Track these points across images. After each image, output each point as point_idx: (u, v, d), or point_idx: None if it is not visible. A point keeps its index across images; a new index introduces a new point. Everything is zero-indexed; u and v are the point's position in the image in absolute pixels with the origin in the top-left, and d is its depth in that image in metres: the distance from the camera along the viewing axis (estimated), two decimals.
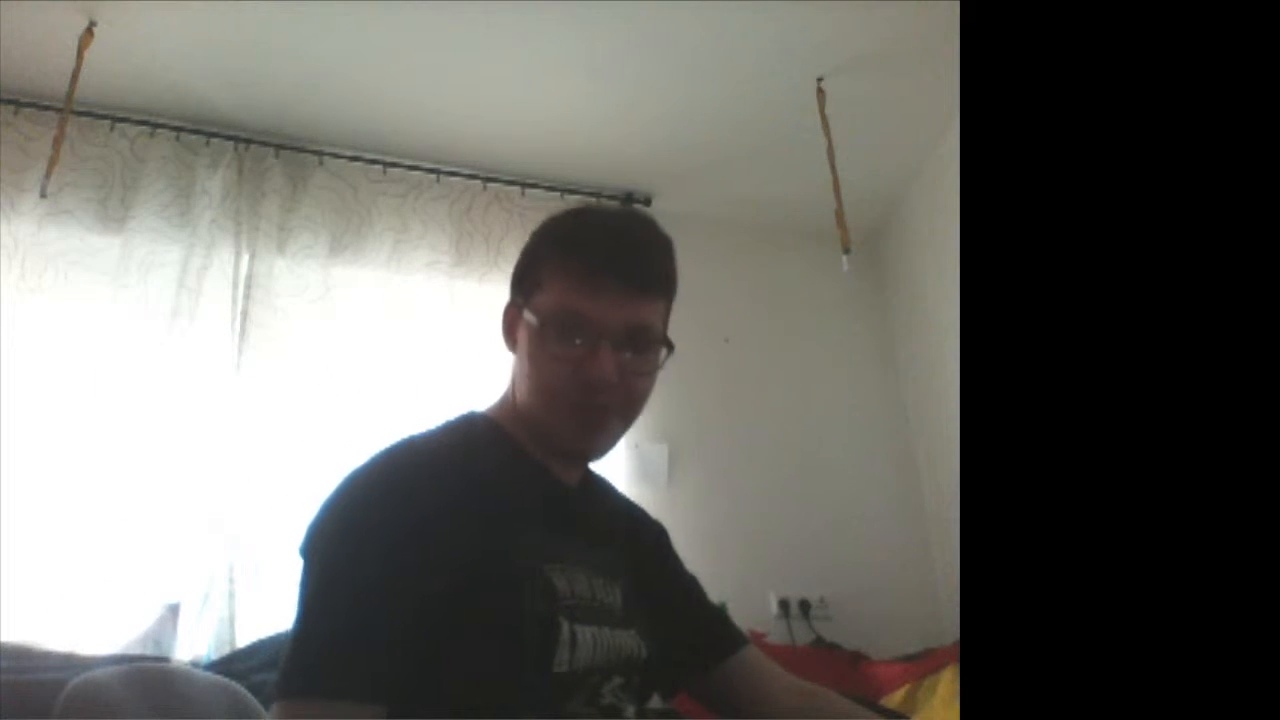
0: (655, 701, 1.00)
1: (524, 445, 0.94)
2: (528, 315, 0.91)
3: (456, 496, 0.84)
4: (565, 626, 0.83)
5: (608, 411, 0.90)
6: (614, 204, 0.96)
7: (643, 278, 0.91)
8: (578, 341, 0.88)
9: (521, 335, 0.93)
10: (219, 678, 0.98)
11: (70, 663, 1.84)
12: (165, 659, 1.99)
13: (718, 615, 1.15)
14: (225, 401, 2.37)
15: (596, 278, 0.89)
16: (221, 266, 2.52)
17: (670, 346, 0.94)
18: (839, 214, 2.49)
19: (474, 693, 0.78)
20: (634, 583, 0.98)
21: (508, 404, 0.97)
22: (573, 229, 0.95)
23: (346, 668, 0.74)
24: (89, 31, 2.32)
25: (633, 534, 1.06)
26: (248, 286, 2.54)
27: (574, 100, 2.69)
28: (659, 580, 1.07)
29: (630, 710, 0.88)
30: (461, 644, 0.79)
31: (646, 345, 0.91)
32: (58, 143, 2.26)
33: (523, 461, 0.94)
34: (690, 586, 1.13)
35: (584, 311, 0.88)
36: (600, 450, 0.94)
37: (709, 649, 1.05)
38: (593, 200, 2.96)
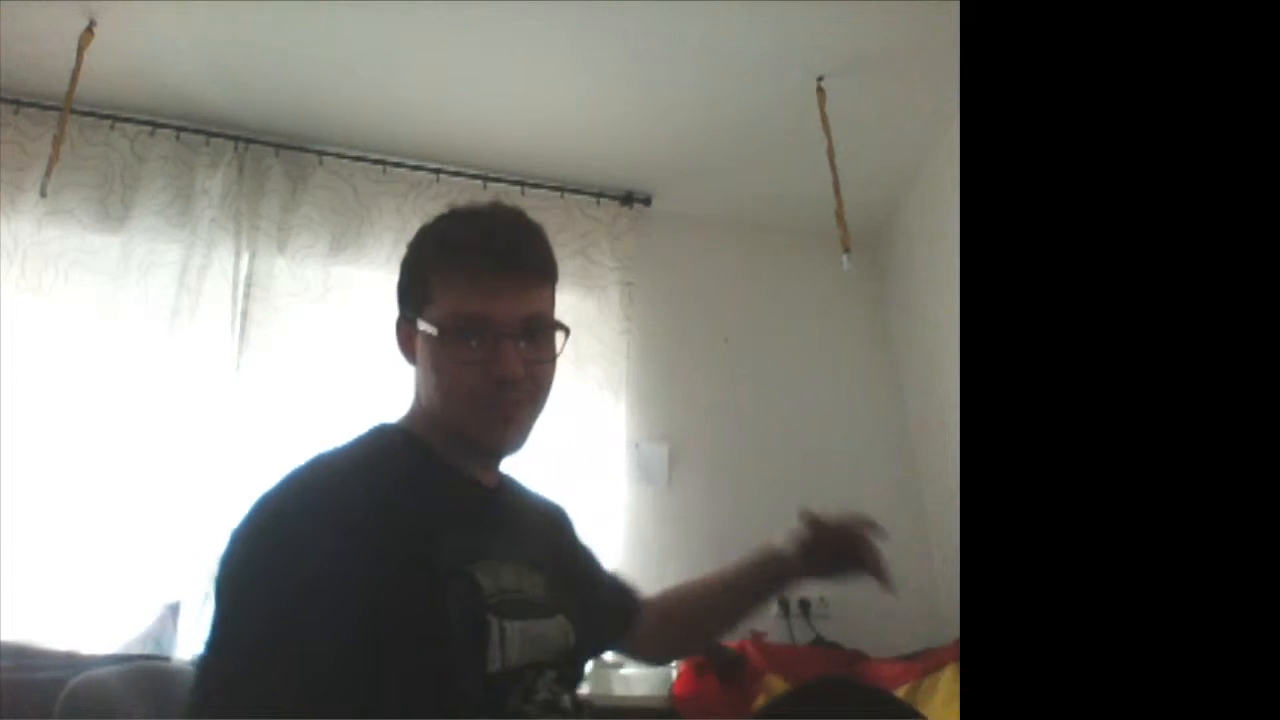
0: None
1: (439, 451, 0.95)
2: (424, 326, 0.92)
3: (371, 509, 0.83)
4: (495, 625, 0.84)
5: (520, 405, 0.92)
6: (481, 204, 0.96)
7: (527, 269, 0.93)
8: (476, 343, 0.90)
9: (421, 346, 0.94)
10: None
11: (70, 663, 1.84)
12: (165, 659, 1.99)
13: (616, 580, 1.22)
14: (225, 401, 2.37)
15: (484, 277, 0.90)
16: (221, 266, 2.52)
17: (566, 330, 0.96)
18: (839, 214, 2.49)
19: (411, 705, 0.77)
20: (555, 568, 0.99)
21: (417, 413, 0.98)
22: (450, 234, 0.96)
23: (242, 703, 0.71)
24: (89, 31, 2.32)
25: (550, 523, 1.12)
26: (248, 286, 2.54)
27: (574, 100, 2.69)
28: (572, 561, 1.12)
29: (566, 700, 0.91)
30: (392, 656, 0.77)
31: (543, 333, 0.94)
32: (58, 142, 2.25)
33: (438, 466, 0.95)
34: (593, 557, 1.20)
35: (479, 312, 0.89)
36: (518, 444, 0.95)
37: (621, 614, 1.17)
38: (593, 201, 2.96)
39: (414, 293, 0.96)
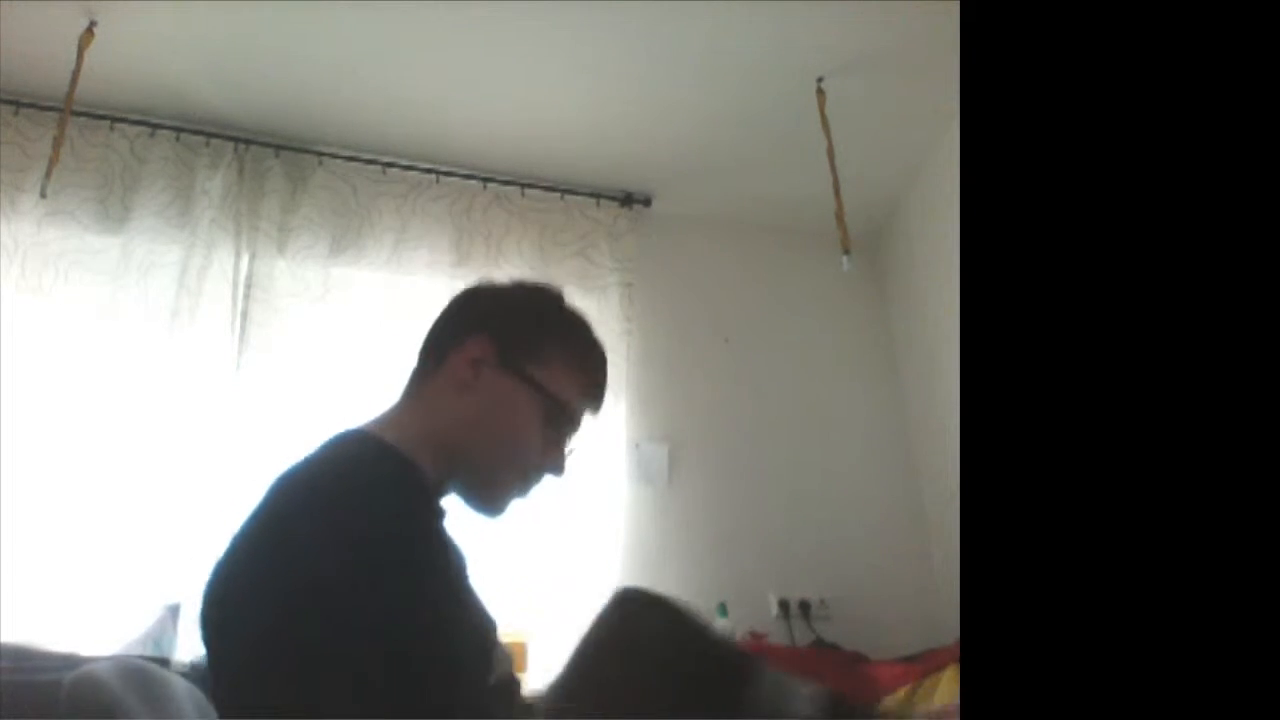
0: None
1: (422, 470, 0.90)
2: (527, 379, 0.95)
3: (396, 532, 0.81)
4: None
5: (528, 495, 0.99)
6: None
7: (602, 399, 1.05)
8: (559, 431, 0.98)
9: (502, 386, 0.95)
10: (186, 683, 1.00)
11: (70, 663, 1.84)
12: (165, 659, 1.99)
13: None
14: (225, 401, 2.37)
15: (596, 391, 1.02)
16: (221, 266, 2.52)
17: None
18: (839, 214, 2.49)
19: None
20: None
21: (407, 424, 0.94)
22: (578, 329, 1.03)
23: None
24: (89, 31, 2.32)
25: None
26: (248, 286, 2.54)
27: (574, 100, 2.69)
28: None
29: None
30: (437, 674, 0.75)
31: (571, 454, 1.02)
32: (58, 143, 2.25)
33: (425, 482, 0.91)
34: None
35: (578, 414, 1.00)
36: (500, 514, 0.98)
37: None
38: (593, 202, 2.96)
39: (525, 343, 0.97)
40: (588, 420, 1.03)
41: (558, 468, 0.98)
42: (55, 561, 2.11)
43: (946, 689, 2.04)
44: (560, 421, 0.98)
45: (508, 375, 0.95)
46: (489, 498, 0.96)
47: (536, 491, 1.00)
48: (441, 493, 0.95)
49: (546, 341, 0.99)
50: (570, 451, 1.01)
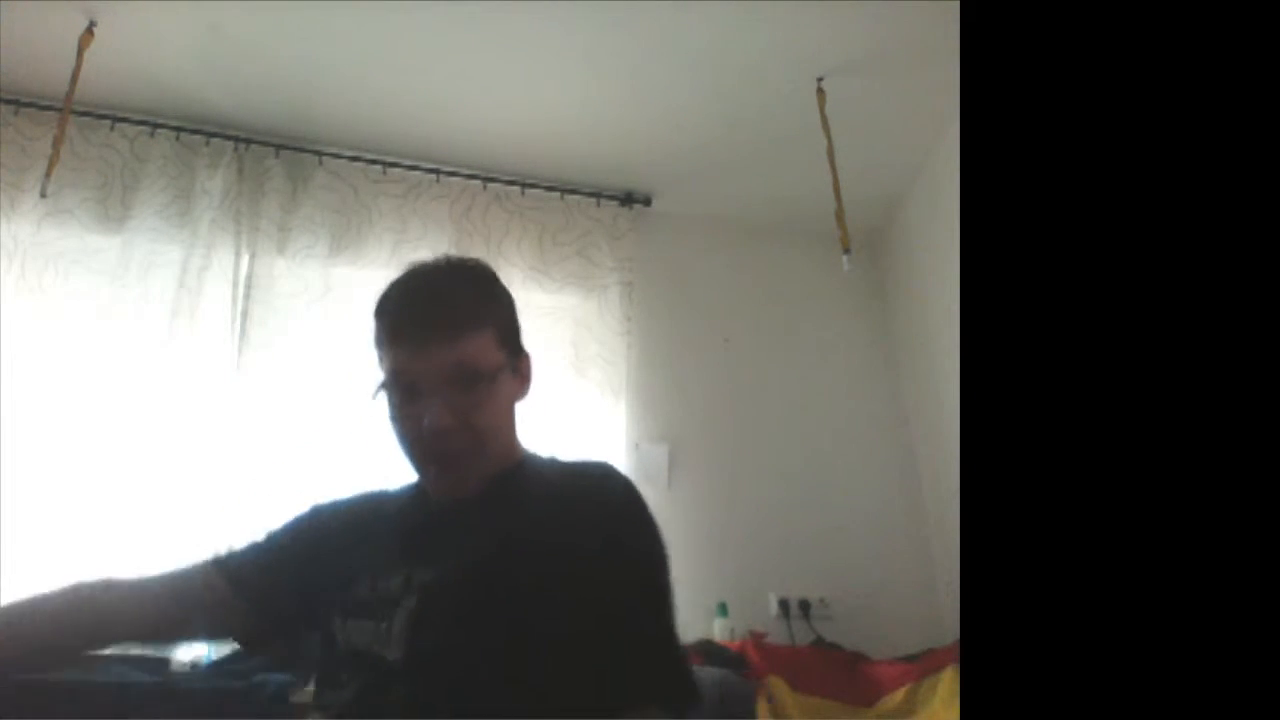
0: None
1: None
2: (379, 386, 0.99)
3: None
4: (337, 621, 0.96)
5: (460, 454, 0.96)
6: (424, 261, 1.08)
7: (443, 323, 0.96)
8: (410, 398, 0.95)
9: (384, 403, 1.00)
10: None
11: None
12: (165, 659, 1.98)
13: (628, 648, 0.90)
14: (225, 401, 2.37)
15: (404, 336, 0.97)
16: (221, 266, 2.52)
17: (507, 369, 1.01)
18: (839, 214, 2.49)
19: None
20: (490, 577, 0.92)
21: None
22: (382, 296, 1.02)
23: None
24: (89, 31, 2.32)
25: (519, 536, 0.95)
26: (248, 286, 2.54)
27: (574, 100, 2.69)
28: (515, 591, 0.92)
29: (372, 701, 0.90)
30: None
31: (476, 382, 0.96)
32: (58, 143, 2.25)
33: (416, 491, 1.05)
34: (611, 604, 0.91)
35: (403, 369, 0.95)
36: (461, 489, 0.98)
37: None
38: (593, 202, 2.96)
39: (377, 352, 1.02)
40: (428, 353, 0.95)
41: (433, 424, 0.93)
42: (56, 561, 2.11)
43: (946, 689, 2.04)
44: (401, 389, 0.96)
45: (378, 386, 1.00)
46: (428, 486, 1.01)
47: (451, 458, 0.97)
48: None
49: (376, 338, 1.01)
50: (440, 394, 0.94)
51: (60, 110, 2.32)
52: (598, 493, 0.98)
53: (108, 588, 1.14)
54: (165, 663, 1.96)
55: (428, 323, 0.96)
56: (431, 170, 2.82)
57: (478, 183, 2.87)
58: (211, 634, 1.14)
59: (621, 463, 2.65)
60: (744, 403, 2.91)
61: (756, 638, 2.36)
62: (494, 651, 0.87)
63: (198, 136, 2.65)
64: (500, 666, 0.86)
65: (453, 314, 0.98)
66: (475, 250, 2.79)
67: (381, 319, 1.00)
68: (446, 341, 0.95)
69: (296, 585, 1.04)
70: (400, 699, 0.87)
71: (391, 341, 0.97)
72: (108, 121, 2.58)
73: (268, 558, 1.08)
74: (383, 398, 0.98)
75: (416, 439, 0.96)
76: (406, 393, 0.96)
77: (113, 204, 2.52)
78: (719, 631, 2.41)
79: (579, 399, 2.66)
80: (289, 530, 1.11)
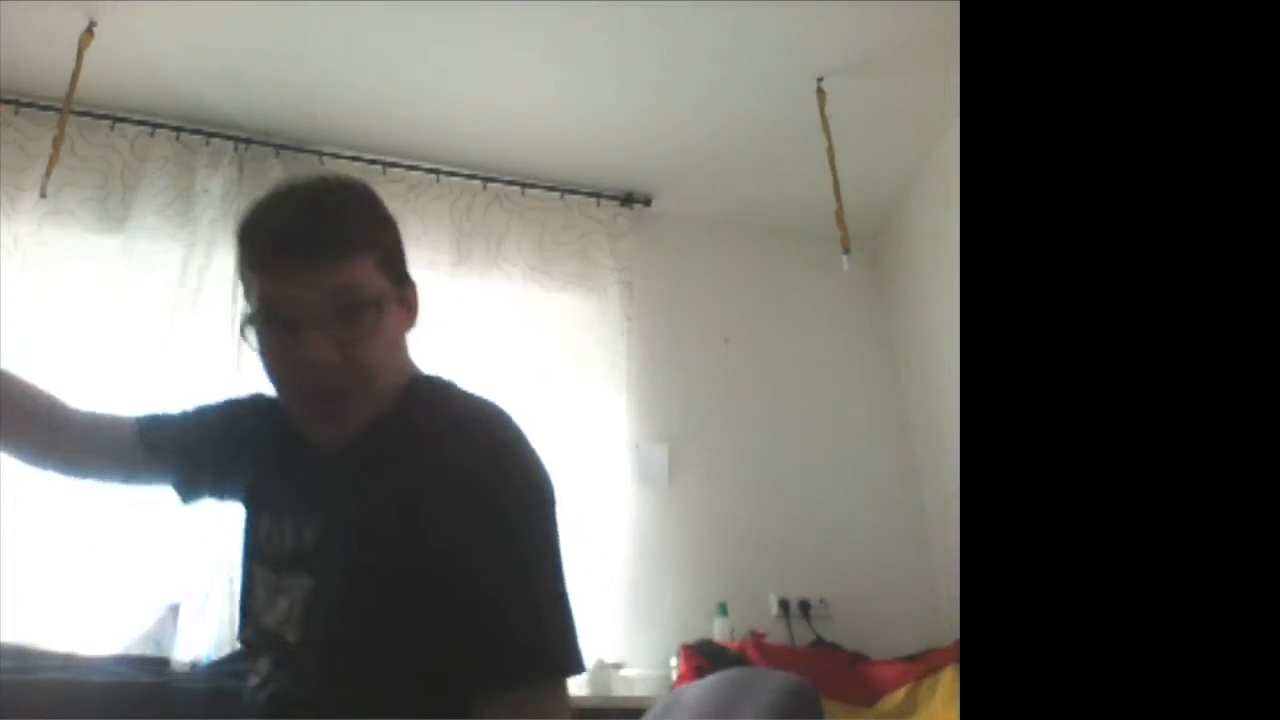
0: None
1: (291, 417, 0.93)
2: (244, 319, 0.88)
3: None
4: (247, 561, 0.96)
5: (342, 393, 0.85)
6: (289, 180, 0.94)
7: (323, 244, 0.84)
8: (283, 331, 0.84)
9: (250, 339, 0.88)
10: None
11: (70, 663, 1.84)
12: (165, 659, 1.99)
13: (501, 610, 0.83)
14: None
15: (272, 262, 0.84)
16: (221, 266, 2.52)
17: (394, 298, 0.90)
18: (839, 214, 2.49)
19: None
20: (362, 525, 0.87)
21: None
22: (244, 221, 0.89)
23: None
24: (89, 31, 2.32)
25: (406, 487, 0.86)
26: None
27: (574, 100, 2.69)
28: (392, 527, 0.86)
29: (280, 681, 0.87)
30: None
31: (360, 311, 0.85)
32: (58, 143, 2.25)
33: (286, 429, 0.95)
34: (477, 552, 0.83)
35: (276, 297, 0.83)
36: (343, 430, 0.88)
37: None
38: (593, 202, 2.96)
39: (242, 281, 0.90)
40: (305, 279, 0.83)
41: (311, 358, 0.83)
42: (55, 561, 2.11)
43: (946, 689, 2.04)
44: (273, 321, 0.84)
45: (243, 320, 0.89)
46: (307, 429, 0.91)
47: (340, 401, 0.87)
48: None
49: (240, 265, 0.88)
50: (318, 325, 0.83)
51: (60, 110, 2.32)
52: (469, 444, 0.86)
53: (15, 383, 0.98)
54: (165, 663, 1.96)
55: (303, 245, 0.83)
56: (431, 170, 2.82)
57: (478, 183, 2.87)
58: (117, 478, 1.07)
59: (622, 463, 2.65)
60: (744, 403, 2.91)
61: (756, 638, 2.36)
62: (378, 638, 0.82)
63: (198, 136, 2.65)
64: (386, 651, 0.81)
65: (331, 235, 0.85)
66: (475, 250, 2.79)
67: (248, 242, 0.87)
68: (325, 266, 0.83)
69: (210, 463, 1.03)
70: (303, 680, 0.85)
71: (261, 267, 0.84)
72: (108, 121, 2.58)
73: (188, 433, 1.04)
74: (252, 334, 0.86)
75: (292, 376, 0.86)
76: (280, 325, 0.84)
77: (113, 204, 2.52)
78: (719, 631, 2.41)
79: (579, 399, 2.66)
80: (211, 415, 1.06)
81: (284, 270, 0.83)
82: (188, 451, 1.04)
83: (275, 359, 0.86)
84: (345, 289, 0.84)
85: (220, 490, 1.07)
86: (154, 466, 1.04)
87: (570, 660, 0.82)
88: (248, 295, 0.88)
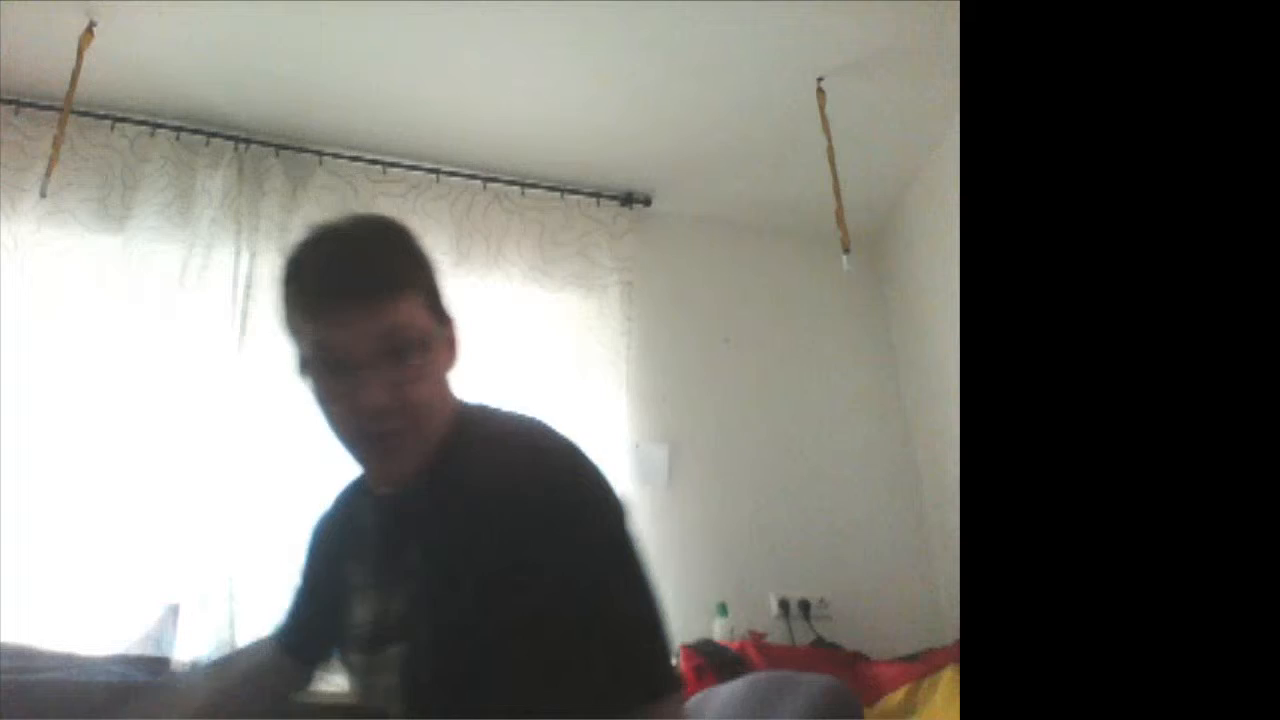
0: None
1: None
2: (297, 366, 0.90)
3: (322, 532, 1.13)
4: (346, 658, 0.99)
5: (397, 434, 0.86)
6: (326, 223, 0.94)
7: (370, 287, 0.85)
8: (337, 376, 0.85)
9: (306, 383, 0.90)
10: None
11: (70, 663, 1.84)
12: (165, 659, 1.99)
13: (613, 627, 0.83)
14: (225, 402, 2.37)
15: (321, 306, 0.85)
16: (221, 266, 2.52)
17: (440, 336, 0.91)
18: (839, 214, 2.49)
19: None
20: (441, 577, 0.87)
21: None
22: (295, 260, 0.91)
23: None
24: (89, 31, 2.32)
25: (481, 522, 0.86)
26: (248, 287, 2.54)
27: (574, 100, 2.69)
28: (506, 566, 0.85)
29: None
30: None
31: (408, 351, 0.86)
32: (58, 143, 2.25)
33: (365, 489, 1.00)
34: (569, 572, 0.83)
35: (329, 342, 0.84)
36: (402, 471, 0.89)
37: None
38: (593, 202, 2.96)
39: (289, 327, 0.91)
40: (352, 321, 0.84)
41: (370, 404, 0.83)
42: (55, 561, 2.11)
43: (946, 689, 2.04)
44: (326, 366, 0.85)
45: (295, 363, 0.92)
46: (369, 476, 0.94)
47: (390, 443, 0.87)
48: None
49: (287, 314, 0.90)
50: (371, 368, 0.84)
51: (60, 110, 2.32)
52: (541, 472, 0.86)
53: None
54: (165, 663, 1.97)
55: (352, 288, 0.84)
56: (431, 170, 2.82)
57: (478, 183, 2.87)
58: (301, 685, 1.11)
59: (622, 463, 2.65)
60: (744, 403, 2.91)
61: (756, 638, 2.36)
62: (483, 677, 0.81)
63: (198, 136, 2.65)
64: (498, 690, 0.81)
65: (379, 277, 0.86)
66: (475, 250, 2.79)
67: (293, 286, 0.88)
68: (375, 307, 0.84)
69: (327, 618, 1.04)
70: None
71: (310, 311, 0.86)
72: (108, 121, 2.58)
73: (302, 609, 1.10)
74: (308, 381, 0.88)
75: (349, 420, 0.86)
76: (333, 369, 0.85)
77: (113, 204, 2.52)
78: (719, 631, 2.41)
79: (579, 399, 2.66)
80: (304, 569, 1.11)
81: (337, 314, 0.84)
82: (313, 624, 1.07)
83: (331, 403, 0.87)
84: (396, 329, 0.85)
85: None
86: (308, 656, 1.08)
87: (674, 674, 0.85)
88: (297, 341, 0.90)
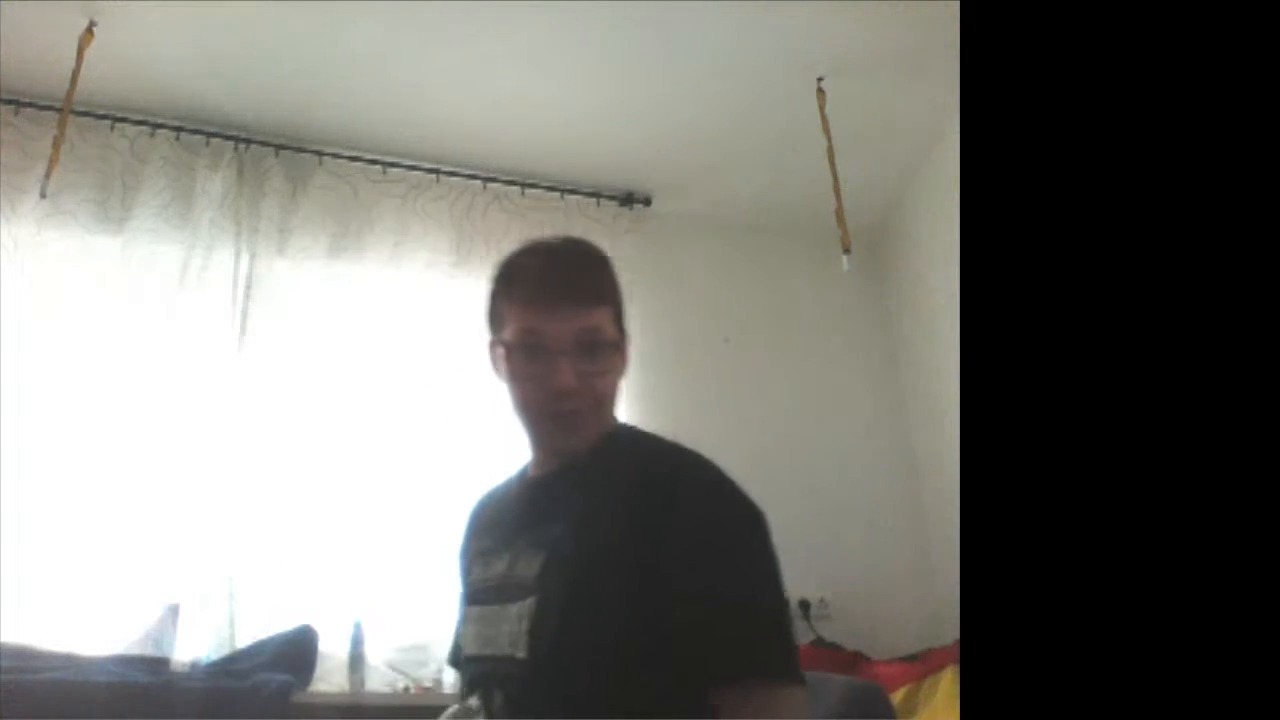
0: None
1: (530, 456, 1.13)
2: (498, 345, 1.07)
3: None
4: (462, 610, 1.09)
5: (577, 413, 1.03)
6: (549, 238, 1.17)
7: (579, 291, 1.04)
8: (537, 359, 1.01)
9: (501, 364, 1.07)
10: None
11: (70, 663, 1.84)
12: (165, 659, 1.99)
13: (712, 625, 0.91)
14: (225, 402, 2.37)
15: (539, 301, 1.02)
16: (221, 267, 2.52)
17: (621, 347, 1.08)
18: (839, 214, 2.49)
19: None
20: (576, 554, 0.99)
21: None
22: (515, 263, 1.10)
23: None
24: (89, 31, 2.32)
25: (617, 503, 1.00)
26: (248, 287, 2.54)
27: (574, 100, 2.69)
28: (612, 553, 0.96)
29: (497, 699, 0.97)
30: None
31: (599, 350, 1.03)
32: (58, 143, 2.25)
33: (520, 473, 1.16)
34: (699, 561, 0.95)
35: (536, 330, 1.01)
36: (578, 445, 1.05)
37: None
38: (593, 202, 2.96)
39: (494, 317, 1.10)
40: (564, 316, 1.01)
41: (559, 384, 0.99)
42: (55, 561, 2.11)
43: (946, 689, 2.04)
44: (530, 349, 1.01)
45: (497, 352, 1.08)
46: (544, 444, 1.08)
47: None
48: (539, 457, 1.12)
49: (498, 302, 1.08)
50: (567, 357, 1.00)
51: (60, 110, 2.32)
52: (697, 466, 1.08)
53: None
54: (165, 663, 1.97)
55: (562, 288, 1.03)
56: (431, 170, 2.82)
57: (478, 183, 2.87)
58: None
59: None
60: (744, 403, 2.91)
61: None
62: (609, 642, 0.91)
63: (198, 137, 2.64)
64: (621, 655, 0.91)
65: (585, 286, 1.05)
66: (475, 250, 2.79)
67: (512, 282, 1.07)
68: (580, 307, 1.02)
69: None
70: (534, 697, 0.94)
71: (525, 302, 1.03)
72: (108, 122, 2.58)
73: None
74: (500, 361, 1.05)
75: (538, 398, 1.02)
76: (532, 352, 1.01)
77: (113, 204, 2.52)
78: None
79: None
80: (460, 568, 1.20)
81: (546, 308, 1.02)
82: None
83: (525, 381, 1.03)
84: (592, 329, 1.03)
85: None
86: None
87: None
88: (499, 326, 1.08)
